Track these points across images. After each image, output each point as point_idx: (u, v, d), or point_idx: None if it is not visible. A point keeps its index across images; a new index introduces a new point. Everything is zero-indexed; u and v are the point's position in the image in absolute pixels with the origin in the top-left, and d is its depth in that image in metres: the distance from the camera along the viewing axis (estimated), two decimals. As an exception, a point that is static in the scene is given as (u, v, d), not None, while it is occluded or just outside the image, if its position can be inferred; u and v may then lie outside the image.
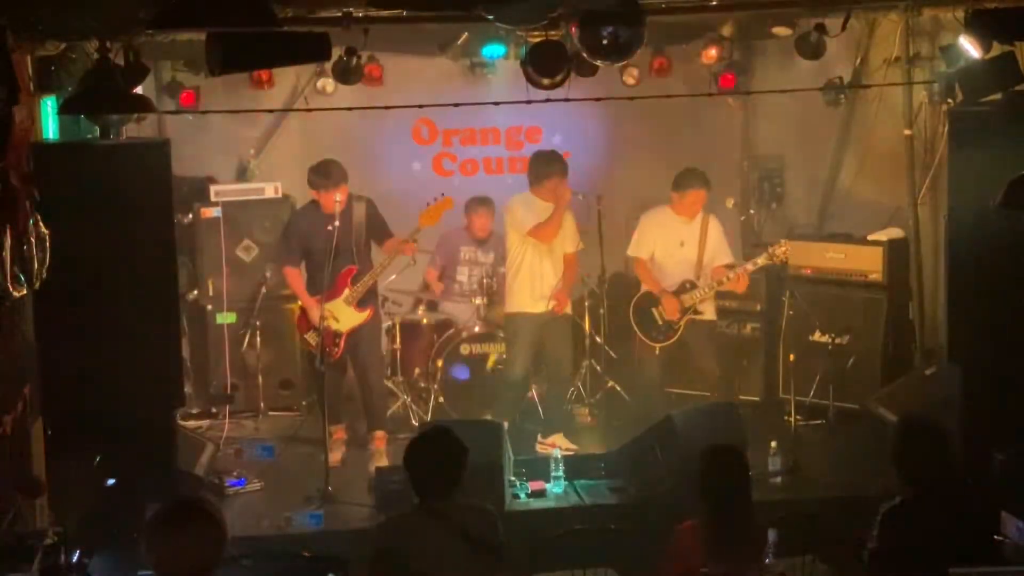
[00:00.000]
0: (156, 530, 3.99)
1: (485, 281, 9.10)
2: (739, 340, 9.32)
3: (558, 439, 8.39)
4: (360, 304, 8.17)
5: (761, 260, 8.38)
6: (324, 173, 8.13)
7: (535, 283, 8.38)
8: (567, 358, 8.74)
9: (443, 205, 8.19)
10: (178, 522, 4.01)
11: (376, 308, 8.45)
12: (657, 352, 8.51)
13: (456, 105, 7.76)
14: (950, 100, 8.10)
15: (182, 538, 3.97)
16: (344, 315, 8.10)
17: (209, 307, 9.44)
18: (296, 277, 8.32)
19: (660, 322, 8.45)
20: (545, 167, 8.40)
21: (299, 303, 8.43)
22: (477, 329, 9.03)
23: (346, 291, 8.11)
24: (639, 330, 8.54)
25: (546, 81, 7.08)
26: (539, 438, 8.48)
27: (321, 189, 8.13)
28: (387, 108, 8.10)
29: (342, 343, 8.16)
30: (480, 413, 8.50)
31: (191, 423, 9.04)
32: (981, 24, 6.62)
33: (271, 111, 9.69)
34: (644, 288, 8.59)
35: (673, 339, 8.45)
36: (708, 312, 8.56)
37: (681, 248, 8.50)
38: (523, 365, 8.54)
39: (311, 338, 8.22)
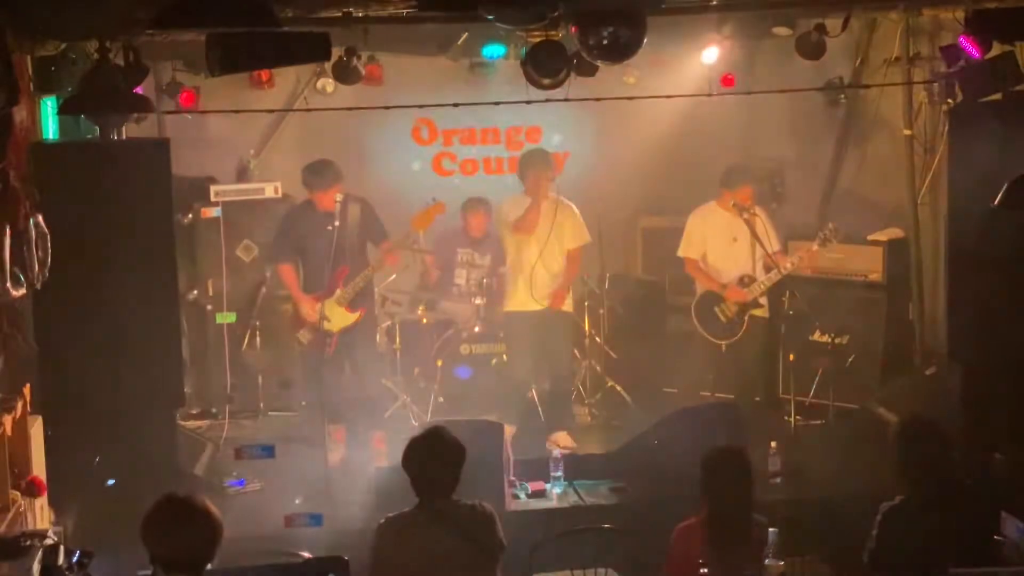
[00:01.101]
0: (151, 525, 4.04)
1: (484, 281, 9.10)
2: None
3: (561, 437, 8.40)
4: (351, 305, 8.16)
5: (816, 245, 8.36)
6: (318, 173, 8.13)
7: (532, 281, 8.39)
8: (565, 356, 8.73)
9: (434, 210, 8.19)
10: (173, 515, 4.05)
11: (370, 309, 8.44)
12: (724, 349, 8.46)
13: (456, 105, 7.76)
14: (950, 100, 8.11)
15: (178, 531, 4.01)
16: (335, 315, 8.09)
17: (209, 307, 9.43)
18: (290, 274, 8.33)
19: (724, 320, 8.41)
20: (524, 164, 8.48)
21: (294, 302, 8.44)
22: (477, 329, 9.03)
23: (338, 291, 8.11)
24: (704, 331, 8.48)
25: (546, 81, 7.08)
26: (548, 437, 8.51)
27: (315, 189, 8.13)
28: (387, 108, 8.10)
29: (334, 342, 8.15)
30: (480, 413, 8.50)
31: (191, 423, 9.04)
32: (981, 24, 6.63)
33: (271, 111, 9.69)
34: (702, 288, 8.55)
35: (738, 335, 8.41)
36: (765, 308, 8.51)
37: (734, 243, 8.47)
38: (525, 364, 8.55)
39: (302, 336, 8.23)
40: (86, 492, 6.69)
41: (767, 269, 8.40)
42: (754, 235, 8.30)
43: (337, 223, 7.94)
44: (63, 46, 6.70)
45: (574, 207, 8.61)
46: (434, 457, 5.06)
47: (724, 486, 5.17)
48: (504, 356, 8.86)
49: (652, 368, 9.26)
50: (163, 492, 4.30)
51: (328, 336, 8.08)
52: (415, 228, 8.19)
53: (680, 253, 8.66)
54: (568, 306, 8.64)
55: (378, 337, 9.06)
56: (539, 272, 8.40)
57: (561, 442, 8.33)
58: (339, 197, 7.99)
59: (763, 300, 8.46)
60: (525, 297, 8.42)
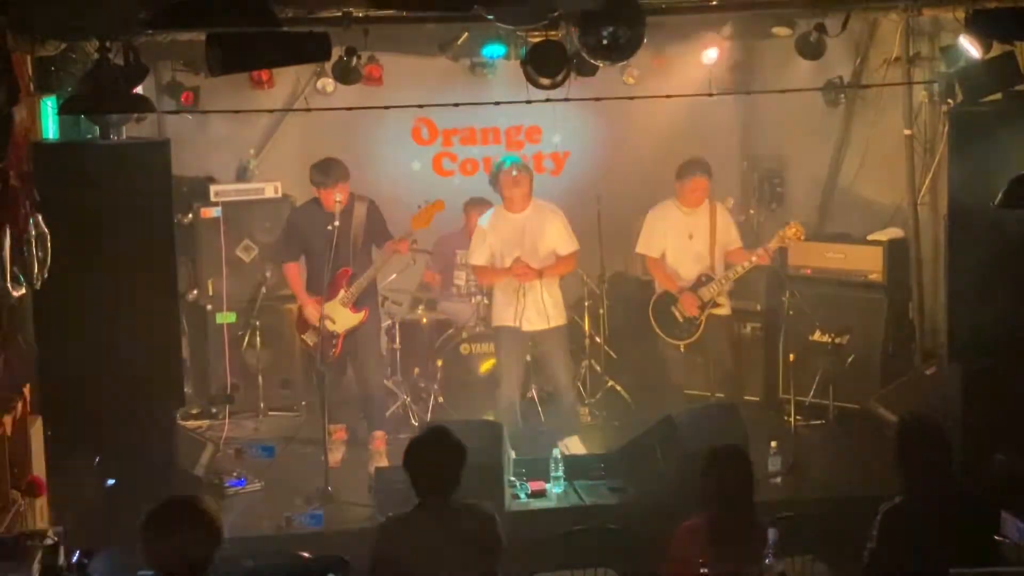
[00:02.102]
0: (150, 527, 4.02)
1: (485, 282, 9.09)
2: (739, 340, 9.30)
3: (572, 442, 8.38)
4: (356, 306, 8.16)
5: (773, 243, 8.35)
6: (324, 171, 8.15)
7: (523, 299, 8.27)
8: (563, 371, 8.59)
9: (434, 208, 8.20)
10: (171, 519, 4.04)
11: (374, 309, 8.44)
12: (682, 349, 8.46)
13: (456, 105, 7.76)
14: (950, 100, 8.10)
15: (175, 535, 3.99)
16: (340, 316, 8.10)
17: (209, 307, 9.43)
18: (295, 274, 8.34)
19: (681, 319, 8.42)
20: (492, 178, 8.43)
21: (298, 303, 8.44)
22: (477, 329, 9.02)
23: (341, 292, 8.11)
24: (661, 331, 8.50)
25: (546, 81, 7.08)
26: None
27: (321, 187, 8.15)
28: (387, 108, 8.10)
29: (339, 344, 8.16)
30: (480, 413, 8.50)
31: (191, 423, 9.04)
32: (981, 24, 6.62)
33: (271, 111, 9.69)
34: (660, 288, 8.55)
35: (696, 335, 8.41)
36: (725, 307, 8.52)
37: (691, 241, 8.48)
38: (515, 380, 8.46)
39: (308, 338, 8.23)
40: (86, 492, 6.68)
41: (726, 267, 8.42)
42: (712, 231, 8.32)
43: (337, 223, 7.95)
44: (63, 46, 6.69)
45: (560, 213, 8.47)
46: (436, 457, 5.06)
47: (726, 486, 5.17)
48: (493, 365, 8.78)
49: (652, 368, 9.26)
50: (163, 492, 4.29)
51: (333, 337, 8.08)
52: (414, 227, 8.19)
53: (638, 251, 8.69)
54: (561, 319, 8.55)
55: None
56: (534, 291, 8.26)
57: (572, 447, 8.31)
58: (339, 197, 8.00)
59: (722, 299, 8.45)
60: (515, 315, 8.28)
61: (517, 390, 8.54)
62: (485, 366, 8.92)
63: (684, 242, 8.50)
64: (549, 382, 8.70)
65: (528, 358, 8.58)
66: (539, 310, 8.27)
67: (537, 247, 8.28)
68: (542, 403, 8.80)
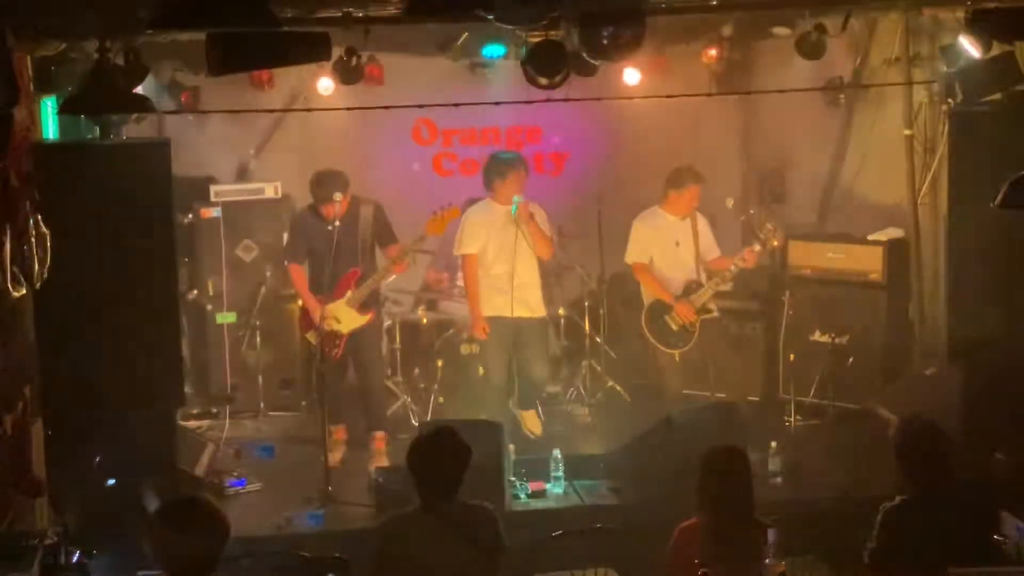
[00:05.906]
0: (160, 527, 4.01)
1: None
2: (739, 340, 9.30)
3: (529, 417, 8.38)
4: (362, 307, 8.16)
5: (757, 247, 8.35)
6: (320, 184, 8.07)
7: (509, 286, 8.29)
8: (541, 363, 8.64)
9: (449, 214, 8.18)
10: (182, 519, 4.03)
11: (378, 311, 8.44)
12: (677, 359, 8.46)
13: (456, 105, 7.76)
14: (950, 100, 8.11)
15: (186, 535, 3.99)
16: (346, 317, 8.09)
17: (209, 307, 9.44)
18: (299, 275, 8.33)
19: (676, 328, 8.39)
20: (488, 172, 8.39)
21: (300, 302, 8.44)
22: (477, 329, 9.01)
23: (349, 293, 8.10)
24: (656, 340, 8.45)
25: (546, 81, 7.08)
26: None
27: (317, 199, 8.10)
28: (387, 108, 8.10)
29: (343, 344, 8.15)
30: (480, 413, 8.50)
31: (191, 423, 9.04)
32: (981, 24, 6.63)
33: (271, 111, 9.69)
34: (651, 297, 8.52)
35: (691, 343, 8.40)
36: (714, 310, 8.54)
37: (677, 248, 8.48)
38: (501, 370, 8.48)
39: (312, 337, 8.23)
40: (86, 492, 6.69)
41: (709, 276, 8.41)
42: (695, 238, 8.33)
43: (337, 223, 7.95)
44: (63, 46, 6.70)
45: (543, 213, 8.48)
46: (440, 457, 5.05)
47: (724, 486, 5.17)
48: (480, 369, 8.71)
49: (652, 368, 9.26)
50: (163, 492, 4.30)
51: (337, 338, 8.08)
52: (429, 232, 8.18)
53: (627, 260, 8.63)
54: (541, 310, 8.56)
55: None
56: (520, 278, 8.29)
57: (530, 422, 8.29)
58: (338, 197, 7.97)
59: (711, 304, 8.45)
60: (502, 303, 8.30)
61: (506, 380, 8.53)
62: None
63: (672, 249, 8.49)
64: (523, 376, 8.66)
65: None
66: (526, 299, 8.32)
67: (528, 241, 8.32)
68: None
